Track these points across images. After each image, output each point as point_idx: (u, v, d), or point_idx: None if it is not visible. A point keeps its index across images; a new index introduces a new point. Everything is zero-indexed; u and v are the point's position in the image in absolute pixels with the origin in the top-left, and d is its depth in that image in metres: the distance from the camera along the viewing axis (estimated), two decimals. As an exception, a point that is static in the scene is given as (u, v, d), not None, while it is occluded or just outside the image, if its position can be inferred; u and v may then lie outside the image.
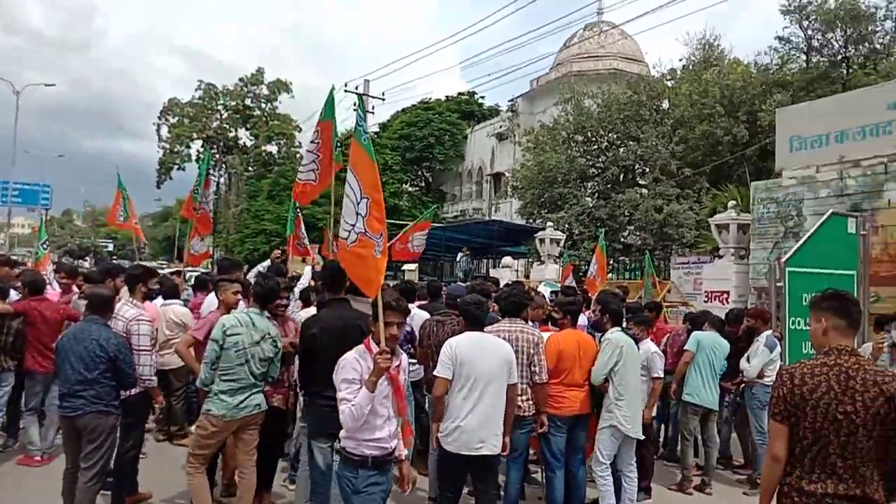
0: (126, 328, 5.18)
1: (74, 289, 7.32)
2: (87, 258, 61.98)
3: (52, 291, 7.48)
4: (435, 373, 4.43)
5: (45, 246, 8.48)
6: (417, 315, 6.41)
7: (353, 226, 4.05)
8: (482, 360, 4.41)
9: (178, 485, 5.98)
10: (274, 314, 5.35)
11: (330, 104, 7.87)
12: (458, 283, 13.26)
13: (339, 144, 8.40)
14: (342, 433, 3.64)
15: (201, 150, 55.88)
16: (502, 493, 5.13)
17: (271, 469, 5.47)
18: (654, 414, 6.39)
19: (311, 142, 8.10)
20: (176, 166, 56.02)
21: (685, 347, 6.78)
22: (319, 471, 4.50)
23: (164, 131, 55.82)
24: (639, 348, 5.89)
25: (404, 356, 4.00)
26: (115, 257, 66.49)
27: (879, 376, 2.80)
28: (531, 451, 5.93)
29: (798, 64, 20.43)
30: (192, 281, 9.86)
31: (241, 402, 4.69)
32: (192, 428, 7.43)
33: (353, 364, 3.60)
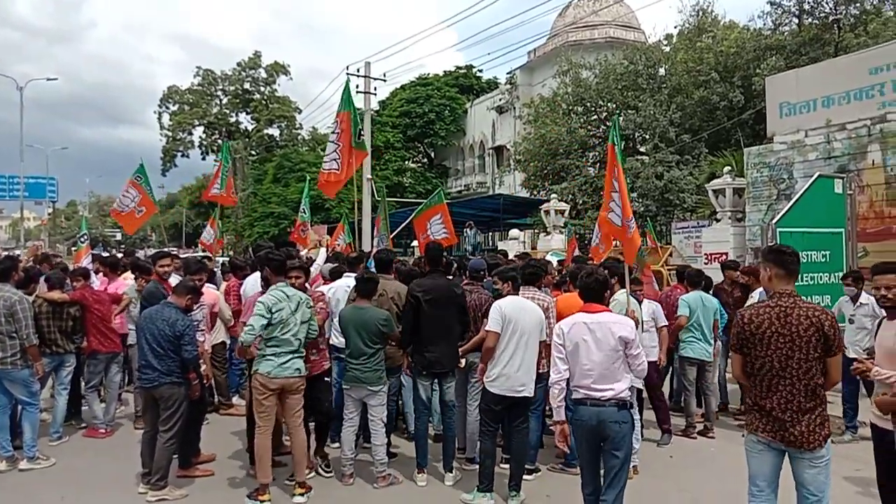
0: None
1: (127, 276, 7.94)
2: (95, 248, 62.46)
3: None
4: (487, 328, 5.26)
5: (83, 239, 8.99)
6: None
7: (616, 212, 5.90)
8: (523, 318, 5.21)
9: (233, 446, 6.71)
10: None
11: (347, 96, 8.36)
12: (470, 256, 13.80)
13: (361, 133, 8.77)
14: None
15: (203, 136, 56.29)
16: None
17: (325, 429, 6.11)
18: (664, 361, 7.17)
19: (333, 132, 8.60)
20: (179, 153, 56.45)
21: (678, 313, 7.38)
22: (422, 402, 5.86)
23: (166, 119, 56.17)
24: (642, 307, 6.67)
25: None
26: (122, 246, 67.14)
27: (811, 311, 3.56)
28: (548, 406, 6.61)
29: (790, 27, 20.67)
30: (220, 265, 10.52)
31: (285, 362, 5.27)
32: (235, 399, 8.18)
33: None
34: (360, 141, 8.64)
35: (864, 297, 6.95)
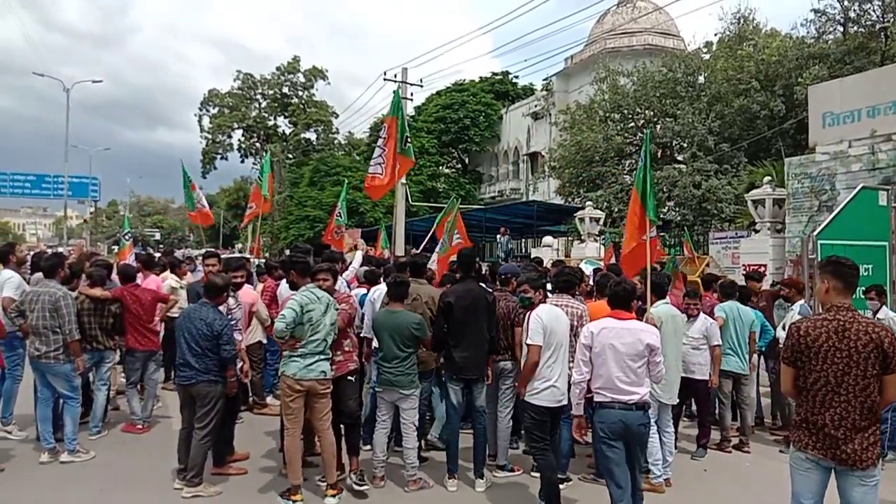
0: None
1: (166, 275, 8.11)
2: (136, 247, 63.68)
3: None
4: (529, 341, 5.10)
5: (127, 237, 9.23)
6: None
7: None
8: (558, 327, 5.18)
9: (267, 445, 6.80)
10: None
11: (396, 102, 8.43)
12: (502, 262, 13.78)
13: (408, 140, 8.71)
14: None
15: (242, 139, 57.08)
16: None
17: (356, 435, 5.96)
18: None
19: (380, 136, 8.68)
20: (219, 156, 57.26)
21: (716, 315, 7.23)
22: (453, 406, 5.85)
23: (206, 122, 57.01)
24: (695, 323, 6.71)
25: None
26: (161, 245, 68.55)
27: (870, 327, 3.46)
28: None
29: (835, 35, 20.25)
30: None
31: (311, 364, 5.29)
32: (269, 399, 8.28)
33: None
34: (406, 148, 8.63)
35: (883, 312, 6.79)
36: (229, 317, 6.06)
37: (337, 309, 5.54)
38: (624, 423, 4.41)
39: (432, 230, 10.58)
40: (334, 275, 5.85)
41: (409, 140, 8.76)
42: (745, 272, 12.34)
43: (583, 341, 4.56)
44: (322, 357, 5.37)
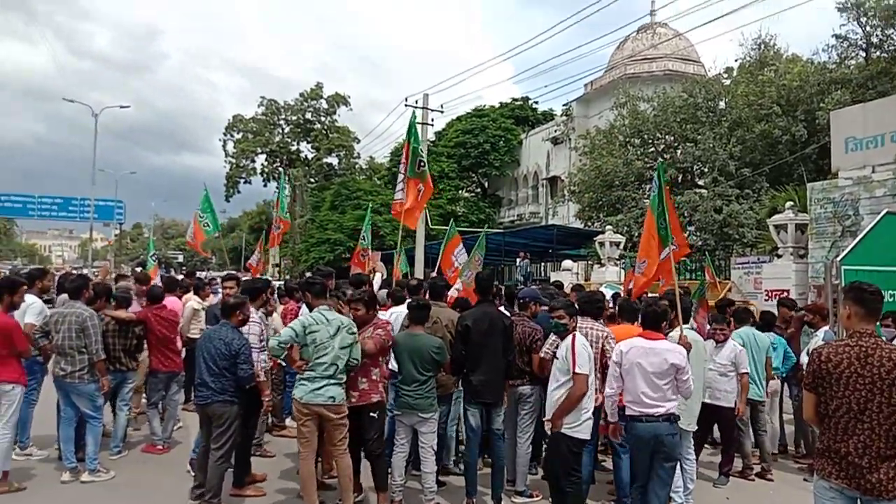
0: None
1: (189, 296, 8.21)
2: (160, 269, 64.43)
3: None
4: (579, 370, 4.94)
5: (153, 258, 9.38)
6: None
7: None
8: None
9: (285, 467, 6.81)
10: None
11: (410, 128, 8.55)
12: (521, 286, 13.72)
13: (422, 163, 8.67)
14: None
15: (265, 163, 57.85)
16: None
17: (382, 468, 5.69)
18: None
19: (400, 163, 8.79)
20: (242, 180, 58.03)
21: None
22: (472, 429, 5.83)
23: (230, 147, 57.88)
24: (722, 349, 6.67)
25: None
26: (184, 268, 69.19)
27: (894, 353, 3.40)
28: (599, 441, 6.50)
29: (857, 61, 20.16)
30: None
31: (318, 388, 5.20)
32: (288, 421, 8.29)
33: None
34: (420, 171, 8.63)
35: None
36: (264, 336, 6.12)
37: (353, 333, 5.41)
38: (654, 433, 4.73)
39: (438, 263, 10.53)
40: (367, 304, 5.75)
41: (422, 164, 8.67)
42: (773, 298, 12.23)
43: (614, 359, 4.94)
44: (332, 382, 5.25)
